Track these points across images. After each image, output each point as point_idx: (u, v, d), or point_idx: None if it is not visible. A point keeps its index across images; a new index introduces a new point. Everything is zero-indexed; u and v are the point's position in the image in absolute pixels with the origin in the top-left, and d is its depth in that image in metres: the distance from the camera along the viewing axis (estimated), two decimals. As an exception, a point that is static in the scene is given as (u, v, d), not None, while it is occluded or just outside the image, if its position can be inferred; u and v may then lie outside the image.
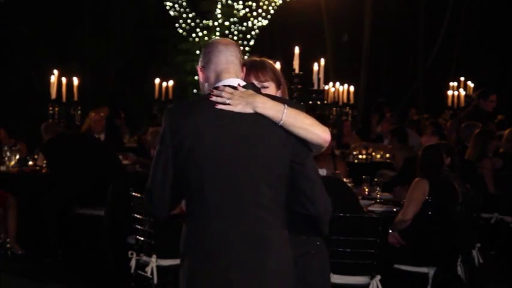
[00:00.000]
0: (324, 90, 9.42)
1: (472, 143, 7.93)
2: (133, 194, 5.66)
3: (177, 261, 4.33)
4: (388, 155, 10.16)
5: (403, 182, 6.53)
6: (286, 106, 2.89)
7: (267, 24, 14.75)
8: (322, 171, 6.15)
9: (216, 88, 2.94)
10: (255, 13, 14.33)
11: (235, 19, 14.32)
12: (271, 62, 3.33)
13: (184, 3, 14.35)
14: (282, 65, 7.63)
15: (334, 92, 11.29)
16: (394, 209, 6.13)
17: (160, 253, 5.49)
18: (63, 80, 9.71)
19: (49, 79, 9.55)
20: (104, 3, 16.87)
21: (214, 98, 2.89)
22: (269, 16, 14.45)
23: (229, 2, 14.22)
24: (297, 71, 7.53)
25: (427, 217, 5.66)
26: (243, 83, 2.99)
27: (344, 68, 17.66)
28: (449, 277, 5.66)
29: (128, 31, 17.10)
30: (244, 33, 14.45)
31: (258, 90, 3.00)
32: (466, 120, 9.07)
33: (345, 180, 6.77)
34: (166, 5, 14.47)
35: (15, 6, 15.42)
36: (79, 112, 9.87)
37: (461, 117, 9.82)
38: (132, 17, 17.04)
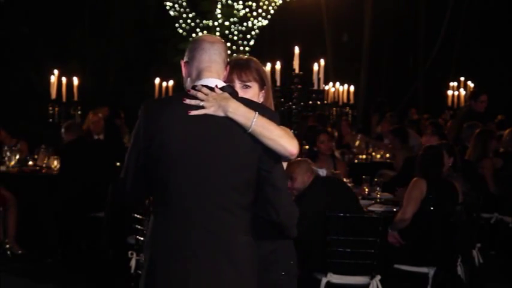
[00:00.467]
0: (324, 90, 9.41)
1: (472, 143, 7.94)
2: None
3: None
4: (388, 155, 10.17)
5: (403, 182, 6.53)
6: (257, 115, 2.91)
7: (267, 24, 14.73)
8: (322, 171, 6.16)
9: (194, 87, 2.99)
10: (255, 13, 14.32)
11: (235, 19, 14.31)
12: (257, 61, 3.31)
13: (184, 3, 14.34)
14: (282, 65, 7.62)
15: (334, 92, 11.29)
16: (394, 209, 6.14)
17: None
18: (63, 80, 9.70)
19: (49, 79, 9.54)
20: (104, 3, 16.86)
21: (188, 101, 2.93)
22: (269, 16, 14.44)
23: (229, 2, 14.21)
24: (297, 71, 7.52)
25: (426, 217, 5.67)
26: (221, 85, 3.02)
27: (344, 68, 17.65)
28: (449, 277, 5.67)
29: (127, 31, 17.08)
30: (244, 33, 14.44)
31: (234, 94, 3.02)
32: (461, 123, 9.12)
33: (345, 180, 6.78)
34: (166, 5, 14.46)
35: (15, 6, 15.41)
36: (79, 112, 9.86)
37: (456, 120, 9.85)
38: (132, 17, 17.03)
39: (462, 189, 5.91)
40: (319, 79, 7.93)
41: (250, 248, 2.99)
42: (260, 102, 3.24)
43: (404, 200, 5.74)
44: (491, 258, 7.49)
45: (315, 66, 7.91)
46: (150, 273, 2.98)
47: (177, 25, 14.45)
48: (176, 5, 14.35)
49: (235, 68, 3.21)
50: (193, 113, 2.92)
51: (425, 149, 5.99)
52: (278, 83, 7.49)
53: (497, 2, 18.73)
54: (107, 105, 11.21)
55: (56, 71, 9.53)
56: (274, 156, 2.96)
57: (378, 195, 6.66)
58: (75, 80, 9.78)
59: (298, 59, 7.51)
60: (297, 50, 7.54)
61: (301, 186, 5.41)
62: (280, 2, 14.31)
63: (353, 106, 11.93)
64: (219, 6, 14.16)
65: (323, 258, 5.29)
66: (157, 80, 11.71)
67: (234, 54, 13.81)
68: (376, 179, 6.91)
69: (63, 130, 8.12)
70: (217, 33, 14.02)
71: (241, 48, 14.22)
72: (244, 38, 14.44)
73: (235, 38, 14.15)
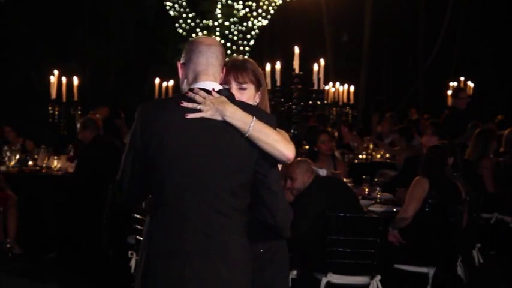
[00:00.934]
0: (324, 90, 9.41)
1: (472, 142, 7.94)
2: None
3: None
4: (388, 155, 10.17)
5: (404, 182, 6.54)
6: (254, 119, 2.92)
7: (267, 24, 14.73)
8: (322, 171, 6.16)
9: (191, 90, 2.99)
10: (255, 13, 14.32)
11: (235, 19, 14.31)
12: (254, 62, 3.31)
13: (184, 3, 14.34)
14: (282, 65, 7.62)
15: (334, 92, 11.28)
16: (394, 209, 6.14)
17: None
18: (63, 79, 9.70)
19: (49, 79, 9.54)
20: (104, 3, 16.86)
21: (185, 104, 2.94)
22: (269, 16, 14.43)
23: (229, 2, 14.21)
24: (297, 71, 7.52)
25: (427, 216, 5.67)
26: (218, 88, 3.03)
27: (344, 68, 17.64)
28: (449, 277, 5.67)
29: (128, 31, 17.09)
30: (244, 33, 14.43)
31: (231, 97, 3.03)
32: (446, 123, 9.20)
33: (344, 180, 6.77)
34: (166, 5, 14.45)
35: (15, 6, 15.41)
36: (79, 112, 9.86)
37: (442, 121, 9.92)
38: (132, 17, 17.04)
39: (463, 190, 5.91)
40: (319, 79, 7.94)
41: (245, 250, 3.01)
42: (256, 103, 3.26)
43: (406, 199, 5.75)
44: (491, 258, 7.49)
45: (315, 66, 7.91)
46: (146, 274, 2.98)
47: (177, 25, 14.44)
48: (176, 5, 14.35)
49: (232, 69, 3.22)
50: (190, 116, 2.92)
51: (430, 149, 5.99)
52: (278, 83, 7.49)
53: (497, 1, 18.72)
54: (107, 105, 11.21)
55: (56, 71, 9.53)
56: (270, 160, 2.98)
57: (378, 195, 6.66)
58: (75, 80, 9.77)
59: (298, 59, 7.51)
60: (297, 50, 7.54)
61: (301, 186, 5.41)
62: (280, 2, 14.30)
63: (353, 106, 11.92)
64: (219, 6, 14.16)
65: (323, 258, 5.29)
66: (157, 80, 11.71)
67: (234, 55, 13.82)
68: (376, 179, 6.91)
69: (79, 126, 7.88)
70: (217, 33, 14.03)
71: (241, 48, 14.22)
72: (244, 38, 14.44)
73: (235, 38, 14.14)
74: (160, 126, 2.95)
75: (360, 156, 10.27)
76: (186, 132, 2.93)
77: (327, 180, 5.82)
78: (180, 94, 3.05)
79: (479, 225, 6.68)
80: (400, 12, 19.33)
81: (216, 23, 14.24)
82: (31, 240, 7.87)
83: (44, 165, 8.53)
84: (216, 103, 2.92)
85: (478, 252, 6.42)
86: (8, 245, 7.63)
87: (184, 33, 14.44)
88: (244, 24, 14.35)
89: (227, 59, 3.18)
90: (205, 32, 14.21)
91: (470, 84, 14.13)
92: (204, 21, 14.36)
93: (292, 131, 7.52)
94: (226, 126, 2.92)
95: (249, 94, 3.23)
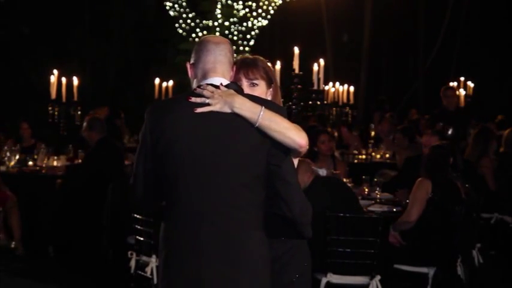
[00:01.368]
0: (324, 90, 9.40)
1: (472, 142, 7.94)
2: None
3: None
4: (388, 155, 10.17)
5: (404, 182, 6.53)
6: (263, 108, 2.89)
7: (267, 24, 14.73)
8: (322, 171, 6.16)
9: (199, 87, 2.98)
10: (255, 13, 14.32)
11: (235, 19, 14.30)
12: (264, 60, 3.29)
13: (184, 3, 14.33)
14: (282, 65, 7.62)
15: (334, 92, 11.28)
16: (394, 209, 6.14)
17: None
18: (63, 80, 9.70)
19: (49, 79, 9.54)
20: (104, 3, 16.86)
21: (193, 99, 2.92)
22: (269, 16, 14.43)
23: (229, 2, 14.20)
24: (296, 71, 7.51)
25: (427, 217, 5.66)
26: (225, 82, 3.00)
27: (344, 68, 17.65)
28: (449, 277, 5.66)
29: (127, 31, 17.09)
30: (244, 33, 14.43)
31: (239, 90, 3.01)
32: (433, 121, 9.19)
33: (344, 180, 6.77)
34: (166, 5, 14.45)
35: (15, 6, 15.42)
36: (79, 112, 9.86)
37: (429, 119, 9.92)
38: (132, 17, 17.03)
39: (463, 190, 5.90)
40: (319, 79, 7.94)
41: (264, 246, 2.95)
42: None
43: (409, 202, 5.72)
44: (491, 258, 7.49)
45: (315, 66, 7.91)
46: (166, 275, 2.97)
47: (177, 25, 14.44)
48: (176, 5, 14.35)
49: (242, 66, 3.19)
50: (199, 110, 2.90)
51: (432, 149, 5.96)
52: (278, 83, 7.48)
53: (497, 2, 18.72)
54: (107, 105, 11.21)
55: (56, 71, 9.53)
56: (283, 149, 2.93)
57: (378, 195, 6.66)
58: (75, 80, 9.77)
59: (298, 59, 7.51)
60: (296, 50, 7.54)
61: (301, 186, 5.40)
62: (280, 2, 14.30)
63: (353, 106, 11.92)
64: (219, 6, 14.15)
65: (323, 258, 5.28)
66: (157, 80, 11.71)
67: (234, 55, 13.78)
68: (376, 179, 6.91)
69: (85, 126, 7.77)
70: (217, 33, 14.02)
71: (241, 48, 14.21)
72: (244, 38, 14.44)
73: (235, 38, 14.14)
74: (169, 123, 2.92)
75: (360, 156, 10.27)
76: (196, 127, 2.90)
77: (327, 180, 5.82)
78: (189, 91, 3.04)
79: (479, 225, 6.67)
80: (400, 12, 19.33)
81: (216, 23, 14.24)
82: (31, 240, 7.86)
83: (44, 165, 8.53)
84: (224, 96, 2.90)
85: (478, 252, 6.42)
86: (13, 246, 7.63)
87: (184, 33, 14.44)
88: (244, 24, 14.35)
89: (233, 59, 3.14)
90: (205, 32, 14.21)
91: (470, 84, 14.13)
92: (204, 21, 14.36)
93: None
94: (236, 118, 2.89)
95: (260, 90, 3.19)
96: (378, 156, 10.37)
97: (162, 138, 2.92)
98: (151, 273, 5.49)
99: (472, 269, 6.15)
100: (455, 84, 13.96)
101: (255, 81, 3.20)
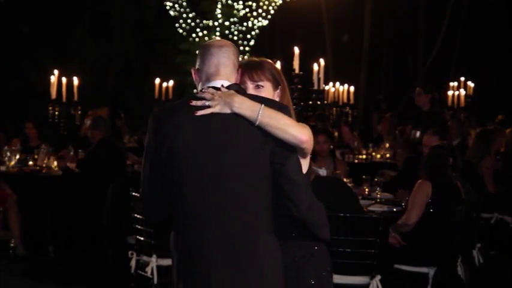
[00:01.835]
0: (324, 90, 9.40)
1: (473, 142, 7.94)
2: (133, 194, 5.66)
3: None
4: (388, 155, 10.18)
5: (404, 182, 6.52)
6: (262, 106, 2.87)
7: (267, 24, 14.73)
8: (322, 171, 6.15)
9: (202, 90, 2.98)
10: (255, 13, 14.31)
11: (235, 19, 14.30)
12: (271, 62, 3.27)
13: (184, 3, 14.33)
14: (282, 65, 7.62)
15: (334, 92, 11.28)
16: (394, 209, 6.13)
17: (160, 253, 5.48)
18: (63, 80, 9.70)
19: (49, 79, 9.54)
20: (104, 3, 16.86)
21: (194, 102, 2.92)
22: (269, 16, 14.43)
23: (229, 2, 14.20)
24: (297, 71, 7.52)
25: (427, 217, 5.66)
26: (227, 84, 3.00)
27: (344, 68, 17.64)
28: (449, 277, 5.66)
29: (127, 31, 17.09)
30: (244, 33, 14.43)
31: (241, 91, 2.99)
32: (403, 118, 9.09)
33: (345, 180, 6.77)
34: (166, 5, 14.45)
35: (15, 6, 15.42)
36: (79, 112, 9.86)
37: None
38: (132, 17, 17.03)
39: (463, 190, 5.90)
40: (319, 79, 7.94)
41: (273, 249, 2.92)
42: None
43: (409, 204, 5.71)
44: (491, 258, 7.48)
45: (315, 66, 7.91)
46: (178, 279, 2.97)
47: (177, 25, 14.44)
48: (176, 5, 14.34)
49: (246, 69, 3.17)
50: (200, 112, 2.90)
51: (432, 150, 5.94)
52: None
53: (497, 2, 18.72)
54: (107, 105, 11.21)
55: (56, 71, 9.54)
56: (287, 148, 2.90)
57: (378, 195, 6.66)
58: (75, 80, 9.78)
59: (298, 59, 7.51)
60: (297, 50, 7.54)
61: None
62: (280, 2, 14.30)
63: (353, 106, 11.92)
64: (219, 6, 14.15)
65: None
66: (157, 80, 11.71)
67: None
68: (376, 179, 6.90)
69: (89, 124, 7.76)
70: (217, 33, 14.03)
71: (241, 48, 14.21)
72: (244, 38, 14.43)
73: (235, 38, 14.14)
74: (171, 127, 2.92)
75: (360, 156, 10.27)
76: (197, 130, 2.90)
77: (327, 180, 5.82)
78: (191, 95, 3.07)
79: (479, 225, 6.66)
80: (400, 12, 19.34)
81: (216, 23, 14.24)
82: (31, 240, 7.86)
83: (44, 165, 8.53)
84: (224, 97, 2.89)
85: (478, 252, 6.41)
86: (12, 245, 7.62)
87: (184, 33, 14.43)
88: (244, 24, 14.35)
89: (238, 62, 3.12)
90: (205, 32, 14.21)
91: (470, 84, 14.13)
92: (204, 21, 14.35)
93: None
94: (236, 118, 2.88)
95: (265, 93, 3.16)
96: (378, 156, 10.37)
97: (165, 143, 2.92)
98: (152, 273, 5.49)
99: (472, 269, 6.15)
100: (455, 84, 13.98)
101: (260, 83, 3.18)
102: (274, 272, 2.91)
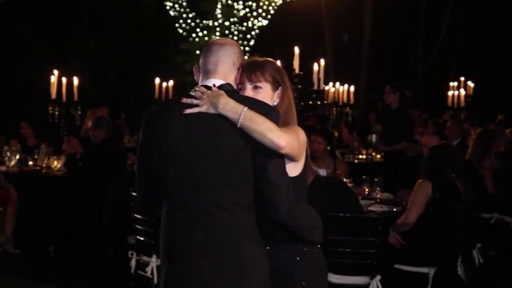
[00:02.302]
0: (324, 90, 9.42)
1: (473, 143, 7.93)
2: (133, 194, 5.66)
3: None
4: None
5: (404, 181, 6.52)
6: (245, 109, 2.87)
7: (267, 24, 14.74)
8: (322, 171, 6.14)
9: (194, 89, 3.01)
10: (255, 13, 14.33)
11: (235, 19, 14.31)
12: (274, 62, 3.24)
13: (184, 3, 14.34)
14: (282, 65, 7.60)
15: (334, 92, 11.28)
16: (394, 209, 6.13)
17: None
18: (63, 80, 9.70)
19: (49, 79, 9.54)
20: (104, 3, 16.88)
21: (184, 100, 2.96)
22: (269, 16, 14.44)
23: (229, 2, 14.21)
24: (297, 71, 7.53)
25: (427, 217, 5.66)
26: (218, 83, 3.01)
27: (344, 68, 17.64)
28: (449, 277, 5.66)
29: (128, 31, 17.10)
30: (244, 33, 14.44)
31: (232, 91, 3.01)
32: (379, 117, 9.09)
33: (345, 180, 6.76)
34: (166, 5, 14.46)
35: (15, 6, 15.42)
36: (79, 112, 9.86)
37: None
38: (132, 17, 17.05)
39: (463, 190, 5.90)
40: (319, 79, 7.95)
41: (257, 247, 2.94)
42: (274, 104, 3.17)
43: (409, 204, 5.70)
44: (491, 258, 7.48)
45: (315, 66, 7.92)
46: (162, 276, 3.01)
47: (177, 25, 14.45)
48: (176, 5, 14.36)
49: (246, 69, 3.16)
50: (187, 111, 2.93)
51: (431, 150, 5.94)
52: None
53: (497, 1, 18.73)
54: (107, 105, 11.21)
55: (56, 71, 9.53)
56: (268, 151, 2.90)
57: (378, 195, 6.66)
58: (75, 80, 9.77)
59: (298, 59, 7.52)
60: (297, 50, 7.54)
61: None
62: (280, 2, 14.31)
63: (353, 106, 11.92)
64: (219, 6, 14.16)
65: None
66: (157, 80, 11.71)
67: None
68: (376, 179, 6.90)
69: (92, 124, 7.71)
70: (217, 33, 14.04)
71: (242, 48, 14.23)
72: (244, 38, 14.45)
73: (235, 38, 14.15)
74: (160, 123, 2.97)
75: (360, 156, 10.27)
76: (184, 127, 2.93)
77: (327, 180, 5.81)
78: (185, 94, 3.06)
79: (479, 225, 6.66)
80: (400, 12, 19.34)
81: (216, 23, 14.25)
82: (31, 240, 7.86)
83: (44, 165, 8.53)
84: (211, 97, 2.91)
85: (478, 252, 6.41)
86: (4, 243, 7.61)
87: (184, 33, 14.45)
88: (244, 24, 14.36)
89: (240, 61, 3.11)
90: (205, 32, 14.22)
91: (471, 84, 14.13)
92: (204, 21, 14.37)
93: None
94: (221, 119, 2.90)
95: (264, 94, 3.15)
96: (378, 156, 10.37)
97: (154, 138, 2.97)
98: (152, 273, 5.49)
99: (472, 269, 6.15)
100: (455, 84, 13.98)
101: (258, 84, 3.16)
102: (257, 271, 2.93)
